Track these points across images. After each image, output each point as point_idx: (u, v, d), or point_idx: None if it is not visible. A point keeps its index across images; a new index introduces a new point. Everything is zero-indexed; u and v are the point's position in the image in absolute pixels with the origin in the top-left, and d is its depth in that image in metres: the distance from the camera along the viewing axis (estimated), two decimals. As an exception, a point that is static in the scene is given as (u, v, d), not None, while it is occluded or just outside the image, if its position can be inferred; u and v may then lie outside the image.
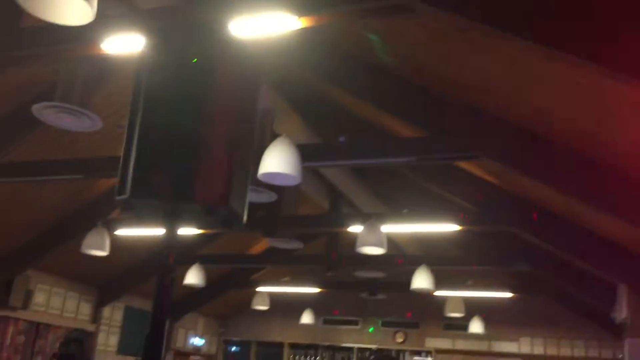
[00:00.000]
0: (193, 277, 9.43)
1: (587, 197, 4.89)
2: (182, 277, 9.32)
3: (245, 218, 1.82)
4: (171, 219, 1.79)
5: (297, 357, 13.91)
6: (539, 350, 11.88)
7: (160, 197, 1.73)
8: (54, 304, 10.29)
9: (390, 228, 7.14)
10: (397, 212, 8.32)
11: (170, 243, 1.73)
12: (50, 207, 8.40)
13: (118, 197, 1.73)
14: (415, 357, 12.95)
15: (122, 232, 8.10)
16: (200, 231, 8.34)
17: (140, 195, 1.73)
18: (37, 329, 9.98)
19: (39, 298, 9.92)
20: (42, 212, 8.47)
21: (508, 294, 10.22)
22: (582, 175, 4.84)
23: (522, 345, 12.04)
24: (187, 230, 8.16)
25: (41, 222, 8.63)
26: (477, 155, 5.18)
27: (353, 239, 7.04)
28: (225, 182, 1.75)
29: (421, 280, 8.16)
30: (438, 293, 9.73)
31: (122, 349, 11.24)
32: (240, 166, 1.79)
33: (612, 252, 6.62)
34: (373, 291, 11.22)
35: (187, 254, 9.81)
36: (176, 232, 1.78)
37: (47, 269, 9.79)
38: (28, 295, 9.48)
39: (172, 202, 1.74)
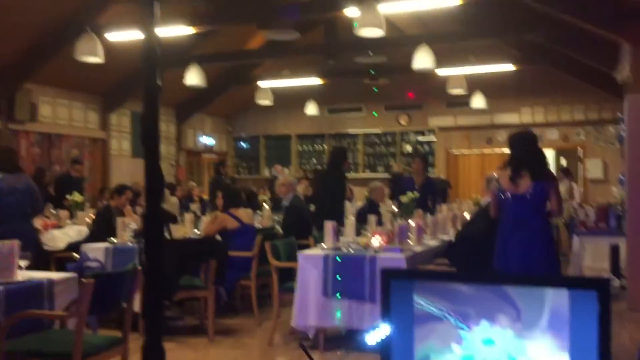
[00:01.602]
0: (193, 77, 9.39)
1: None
2: (182, 78, 9.29)
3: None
4: None
5: (304, 147, 14.40)
6: (539, 118, 12.16)
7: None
8: (61, 114, 10.43)
9: (387, 7, 6.89)
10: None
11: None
12: (38, 12, 8.12)
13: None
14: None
15: (113, 36, 7.89)
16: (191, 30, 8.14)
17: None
18: (49, 140, 10.26)
19: (44, 111, 10.04)
20: (30, 21, 8.22)
21: (510, 67, 10.19)
22: None
23: (523, 116, 12.31)
24: (179, 30, 7.95)
25: (30, 31, 8.43)
26: None
27: (350, 24, 6.83)
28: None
29: (422, 60, 8.07)
30: (440, 72, 9.71)
31: (135, 152, 11.63)
32: None
33: (616, 11, 6.45)
34: (375, 76, 11.20)
35: (183, 54, 9.68)
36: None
37: (48, 81, 9.77)
38: (33, 109, 9.58)
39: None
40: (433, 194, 7.64)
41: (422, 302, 1.17)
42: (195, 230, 6.33)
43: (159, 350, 1.37)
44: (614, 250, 6.85)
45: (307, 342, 4.83)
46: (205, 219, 6.82)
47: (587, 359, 1.04)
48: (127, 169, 11.32)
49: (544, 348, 1.08)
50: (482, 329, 1.13)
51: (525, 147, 4.52)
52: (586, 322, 1.05)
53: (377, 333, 1.20)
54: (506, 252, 4.42)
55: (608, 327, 1.04)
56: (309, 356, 1.20)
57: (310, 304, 4.74)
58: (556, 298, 1.08)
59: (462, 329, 1.15)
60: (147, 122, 1.26)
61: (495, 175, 4.72)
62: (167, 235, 5.26)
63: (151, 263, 1.33)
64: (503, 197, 4.48)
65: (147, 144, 1.32)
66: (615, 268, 6.83)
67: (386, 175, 12.17)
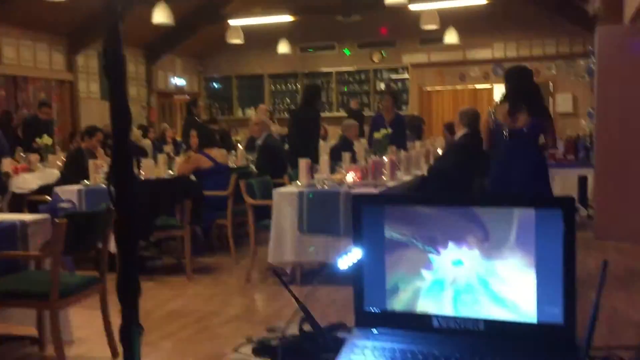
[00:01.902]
0: (160, 15, 9.14)
1: None
2: (150, 17, 9.02)
3: None
4: None
5: (278, 87, 14.24)
6: (511, 53, 12.14)
7: None
8: (25, 56, 10.12)
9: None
10: None
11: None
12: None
13: None
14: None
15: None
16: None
17: None
18: (14, 83, 9.98)
19: (8, 53, 9.73)
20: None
21: (482, 0, 10.10)
22: None
23: (496, 51, 12.28)
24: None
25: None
26: None
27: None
28: None
29: (395, -6, 7.95)
30: (413, 7, 9.59)
31: (104, 94, 11.40)
32: None
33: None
34: (347, 12, 11.02)
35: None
36: None
37: (10, 21, 9.41)
38: (-4, 51, 9.29)
39: None
40: (403, 131, 7.66)
41: (392, 229, 1.19)
42: (169, 171, 6.30)
43: (134, 284, 1.38)
44: (582, 181, 7.02)
45: (284, 278, 4.91)
46: (179, 160, 6.78)
47: (553, 275, 1.07)
48: (96, 112, 11.11)
49: (512, 266, 1.11)
50: (451, 251, 1.15)
51: (522, 81, 4.60)
52: (552, 239, 1.08)
53: (349, 258, 1.23)
54: (505, 183, 4.54)
55: (573, 244, 1.08)
56: (283, 282, 1.22)
57: (286, 240, 4.80)
58: (523, 217, 1.10)
59: (431, 252, 1.17)
60: (110, 50, 1.22)
61: (492, 109, 4.78)
62: (137, 170, 5.23)
63: (121, 200, 1.32)
64: (504, 133, 4.55)
65: (110, 73, 1.28)
66: (582, 198, 7.02)
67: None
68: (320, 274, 5.05)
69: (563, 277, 1.07)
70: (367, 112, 12.38)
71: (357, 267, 1.22)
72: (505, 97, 4.64)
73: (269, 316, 4.29)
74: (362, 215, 1.23)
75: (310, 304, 1.30)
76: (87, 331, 3.72)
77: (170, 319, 4.16)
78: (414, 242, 1.18)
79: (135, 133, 8.72)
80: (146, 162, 5.93)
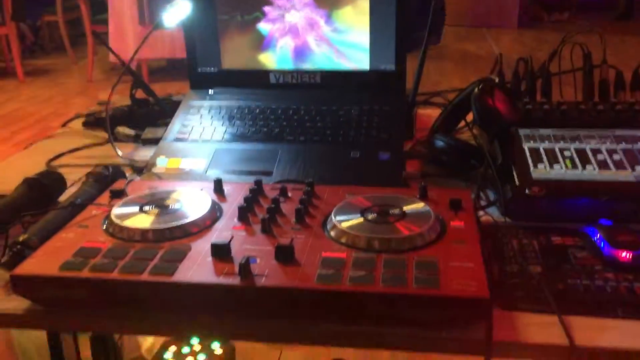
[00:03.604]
0: None
1: None
2: None
3: None
4: None
5: None
6: None
7: None
8: None
9: None
10: None
11: None
12: None
13: None
14: None
15: None
16: None
17: None
18: None
19: None
20: None
21: None
22: None
23: None
24: None
25: None
26: None
27: None
28: None
29: None
30: None
31: None
32: None
33: None
34: None
35: None
36: None
37: None
38: None
39: None
40: None
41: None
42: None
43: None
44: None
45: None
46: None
47: (386, 22, 1.07)
48: None
49: (347, 15, 1.09)
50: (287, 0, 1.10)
51: None
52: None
53: (175, 12, 1.12)
54: None
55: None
56: (134, 75, 1.10)
57: (128, 34, 4.47)
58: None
59: (266, 4, 1.11)
60: None
61: None
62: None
63: None
64: None
65: None
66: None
67: None
68: (169, 70, 4.87)
69: (396, 23, 1.07)
70: None
71: (188, 26, 1.13)
72: None
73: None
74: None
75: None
76: None
77: (5, 123, 3.87)
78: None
79: None
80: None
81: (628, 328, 0.60)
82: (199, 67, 1.15)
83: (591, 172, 0.81)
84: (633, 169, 0.81)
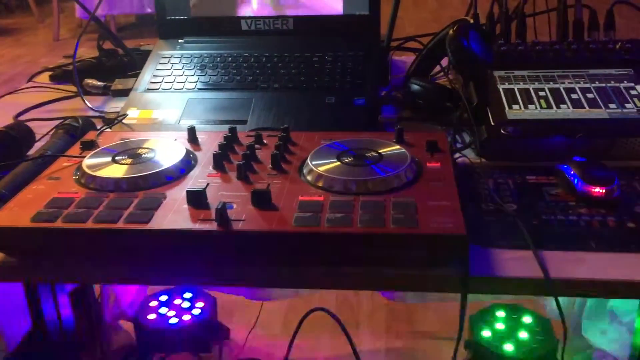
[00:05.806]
0: None
1: None
2: None
3: None
4: None
5: None
6: None
7: None
8: None
9: None
10: None
11: None
12: None
13: None
14: None
15: None
16: None
17: None
18: None
19: None
20: None
21: None
22: None
23: None
24: None
25: None
26: None
27: None
28: None
29: None
30: None
31: None
32: None
33: None
34: None
35: None
36: None
37: None
38: None
39: None
40: None
41: None
42: None
43: None
44: None
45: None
46: None
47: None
48: None
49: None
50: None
51: None
52: None
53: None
54: None
55: None
56: (101, 25, 1.06)
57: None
58: None
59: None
60: None
61: None
62: None
63: None
64: None
65: None
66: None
67: None
68: (135, 25, 4.76)
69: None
70: None
71: None
72: None
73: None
74: None
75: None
76: None
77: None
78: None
79: None
80: None
81: (601, 260, 0.61)
82: (168, 15, 1.12)
83: (565, 111, 0.82)
84: (606, 107, 0.82)
